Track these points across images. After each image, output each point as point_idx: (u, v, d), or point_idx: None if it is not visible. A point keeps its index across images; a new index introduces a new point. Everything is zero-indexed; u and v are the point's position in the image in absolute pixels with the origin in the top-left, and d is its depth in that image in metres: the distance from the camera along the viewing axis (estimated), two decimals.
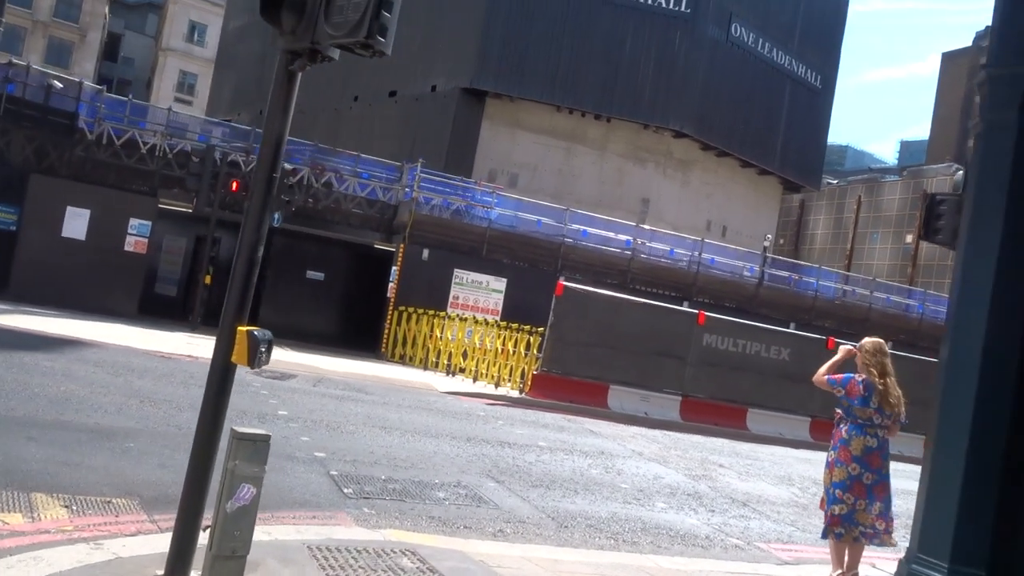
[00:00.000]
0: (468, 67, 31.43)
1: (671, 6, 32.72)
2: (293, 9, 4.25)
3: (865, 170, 56.98)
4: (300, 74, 4.59)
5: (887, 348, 6.70)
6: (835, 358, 6.84)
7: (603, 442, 12.90)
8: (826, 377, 6.71)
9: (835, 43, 40.04)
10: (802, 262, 34.53)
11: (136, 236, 19.96)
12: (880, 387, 6.38)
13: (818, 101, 39.13)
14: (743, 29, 34.77)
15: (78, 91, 19.86)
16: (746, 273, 25.96)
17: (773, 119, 36.70)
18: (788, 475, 12.92)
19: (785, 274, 27.35)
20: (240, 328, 4.50)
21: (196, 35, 60.01)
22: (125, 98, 21.72)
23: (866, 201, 48.37)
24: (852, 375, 6.55)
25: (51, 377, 10.29)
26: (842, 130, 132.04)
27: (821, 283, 27.08)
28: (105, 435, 7.74)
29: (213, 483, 4.44)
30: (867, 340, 6.77)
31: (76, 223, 18.97)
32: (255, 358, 4.48)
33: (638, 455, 12.22)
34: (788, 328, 23.08)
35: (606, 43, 32.11)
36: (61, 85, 19.80)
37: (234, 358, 4.53)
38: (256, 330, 4.51)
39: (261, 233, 4.58)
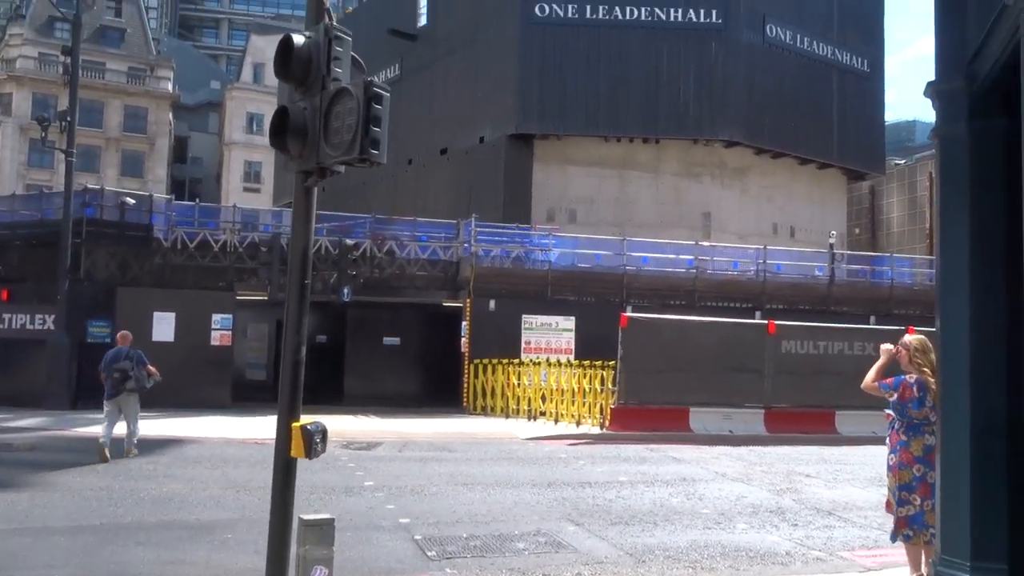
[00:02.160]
0: (511, 114, 32.18)
1: (702, 19, 32.87)
2: (296, 136, 4.76)
3: (931, 144, 55.34)
4: (315, 188, 5.11)
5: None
6: (880, 362, 6.79)
7: (685, 468, 12.96)
8: (877, 383, 6.69)
9: (876, 24, 39.36)
10: (873, 253, 33.67)
11: (220, 330, 21.07)
12: (934, 386, 6.34)
13: (868, 85, 38.41)
14: (778, 29, 34.59)
15: (150, 204, 21.35)
16: (816, 273, 25.59)
17: (824, 111, 36.18)
18: (879, 476, 12.63)
19: (857, 267, 26.80)
20: (295, 424, 4.97)
21: (255, 125, 62.87)
22: (193, 203, 23.17)
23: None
24: (903, 377, 6.52)
25: (154, 480, 11.05)
26: (906, 105, 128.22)
27: (896, 270, 26.43)
28: (206, 529, 8.32)
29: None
30: (912, 337, 6.75)
31: (163, 327, 20.20)
32: (311, 449, 4.93)
33: (721, 476, 12.24)
34: (869, 322, 22.66)
35: (643, 66, 32.42)
36: (134, 201, 21.32)
37: (293, 452, 4.99)
38: (309, 424, 4.97)
39: (302, 336, 5.06)
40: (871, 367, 6.89)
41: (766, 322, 18.46)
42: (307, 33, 4.81)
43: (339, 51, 4.79)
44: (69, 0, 31.85)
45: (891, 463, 6.59)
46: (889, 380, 6.55)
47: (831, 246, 27.14)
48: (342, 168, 4.86)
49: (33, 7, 57.62)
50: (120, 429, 12.72)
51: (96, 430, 12.94)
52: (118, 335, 13.38)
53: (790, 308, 23.48)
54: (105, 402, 12.62)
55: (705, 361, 17.24)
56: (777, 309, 23.07)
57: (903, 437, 6.43)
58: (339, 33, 4.76)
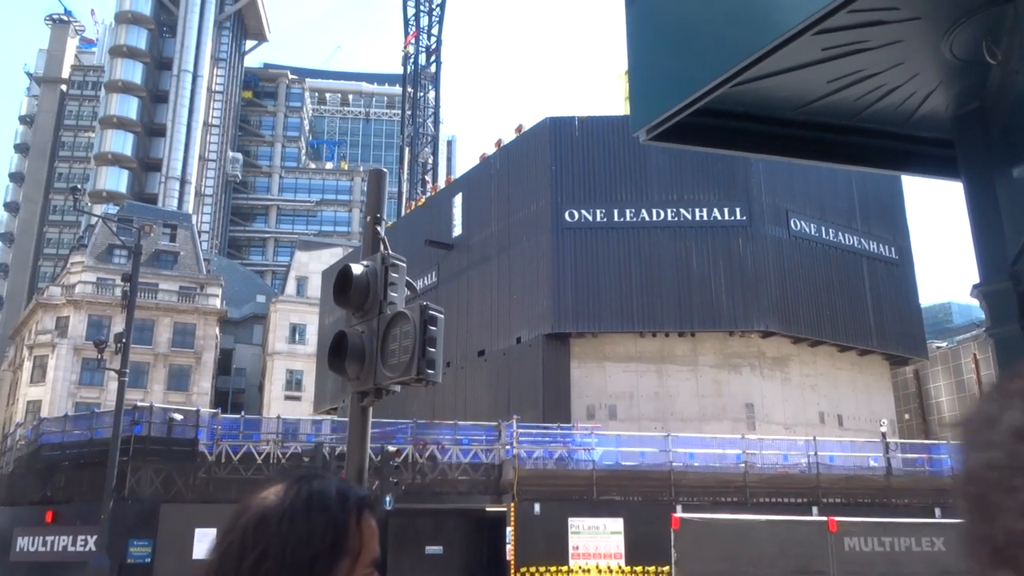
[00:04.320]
0: (547, 314, 32.83)
1: (727, 217, 34.06)
2: (355, 359, 4.93)
3: (972, 326, 54.99)
4: (371, 408, 5.21)
5: None
6: None
7: None
8: None
9: (898, 215, 40.34)
10: (927, 440, 32.62)
11: None
12: None
13: (899, 272, 38.82)
14: (802, 223, 35.62)
15: (196, 419, 21.72)
16: (872, 463, 24.71)
17: (858, 299, 36.38)
18: None
19: (914, 456, 25.87)
20: None
21: (297, 335, 64.73)
22: (238, 416, 23.50)
23: (983, 358, 46.13)
24: None
25: None
26: (941, 288, 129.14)
27: (955, 458, 25.39)
28: None
29: None
30: None
31: (205, 544, 19.78)
32: None
33: None
34: (934, 514, 21.61)
35: (673, 263, 33.27)
36: (181, 417, 21.71)
37: None
38: None
39: None
40: (945, 566, 6.48)
41: (825, 519, 17.62)
42: (365, 262, 5.10)
43: (395, 277, 5.06)
44: (129, 229, 34.13)
45: None
46: None
47: (883, 435, 26.37)
48: (398, 388, 4.98)
49: (95, 236, 61.69)
50: None
51: None
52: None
53: (848, 502, 22.51)
54: None
55: (766, 563, 16.32)
56: (835, 503, 22.12)
57: None
58: (395, 261, 5.04)
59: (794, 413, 32.86)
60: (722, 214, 33.95)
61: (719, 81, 2.68)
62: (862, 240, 37.51)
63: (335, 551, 1.21)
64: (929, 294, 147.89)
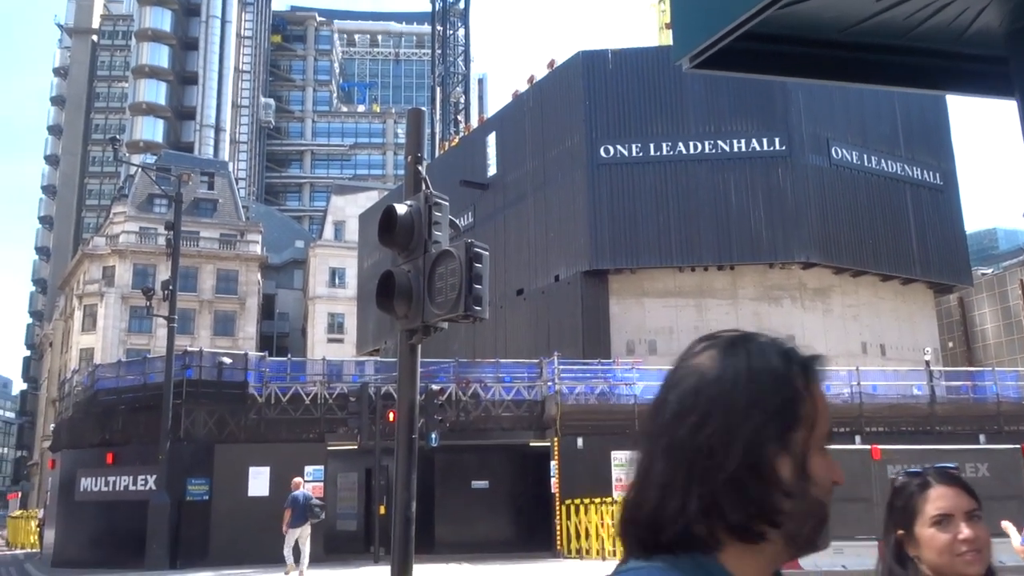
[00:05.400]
0: (584, 251, 32.77)
1: (766, 147, 33.38)
2: (403, 298, 5.03)
3: (1018, 251, 53.76)
4: (420, 345, 5.33)
5: None
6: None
7: None
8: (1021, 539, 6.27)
9: (943, 139, 39.17)
10: (972, 368, 32.26)
11: (312, 482, 21.28)
12: None
13: (944, 198, 37.89)
14: (844, 151, 34.80)
15: (245, 362, 22.32)
16: (915, 392, 24.57)
17: (902, 227, 35.67)
18: None
19: (958, 384, 25.66)
20: None
21: (337, 279, 65.48)
22: (284, 359, 24.07)
23: None
24: None
25: None
26: (987, 214, 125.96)
27: (1000, 384, 25.17)
28: None
29: None
30: None
31: (259, 481, 20.55)
32: None
33: None
34: (978, 441, 21.54)
35: (712, 196, 32.83)
36: (230, 360, 22.30)
37: None
38: None
39: (411, 492, 5.14)
40: (989, 490, 6.50)
41: (868, 447, 17.68)
42: (408, 202, 5.16)
43: (438, 216, 5.12)
44: (168, 178, 34.55)
45: None
46: (1022, 530, 6.15)
47: (927, 363, 26.15)
48: (446, 325, 5.08)
49: (135, 186, 62.57)
50: None
51: None
52: (293, 482, 17.71)
53: (892, 430, 22.51)
54: (290, 530, 17.03)
55: None
56: (878, 432, 22.12)
57: None
58: (438, 200, 5.10)
59: (836, 344, 32.63)
60: (761, 144, 33.28)
61: (766, 2, 2.64)
62: (905, 167, 36.57)
63: (783, 420, 1.07)
64: (974, 220, 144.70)
